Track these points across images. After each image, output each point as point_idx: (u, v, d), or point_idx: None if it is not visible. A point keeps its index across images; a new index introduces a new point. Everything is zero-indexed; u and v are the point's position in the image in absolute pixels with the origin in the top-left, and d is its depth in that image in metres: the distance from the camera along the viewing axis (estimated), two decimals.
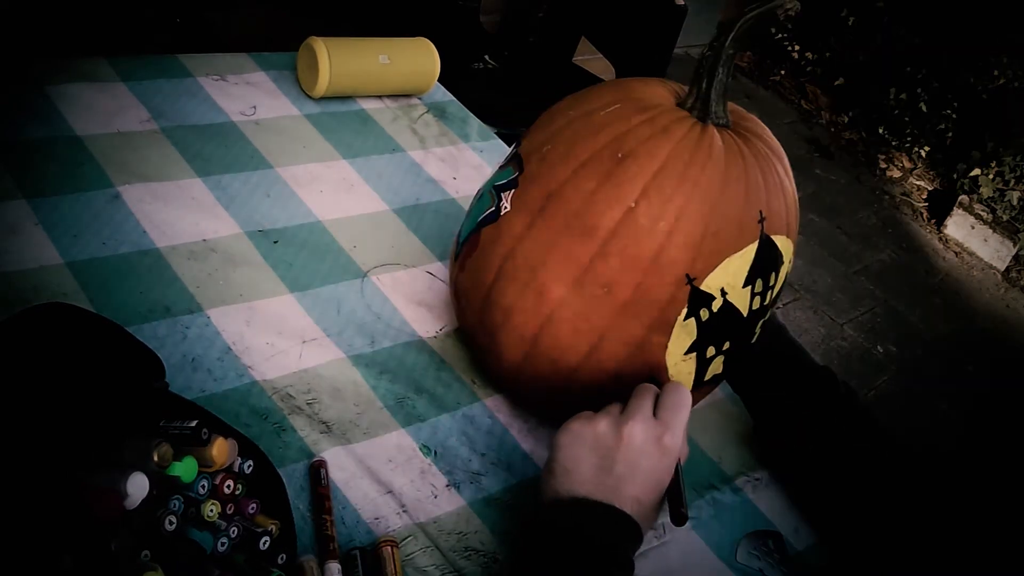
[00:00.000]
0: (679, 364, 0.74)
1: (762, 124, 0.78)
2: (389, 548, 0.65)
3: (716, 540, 0.79)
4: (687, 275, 0.70)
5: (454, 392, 0.82)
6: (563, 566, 0.62)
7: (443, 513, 0.72)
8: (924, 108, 3.77)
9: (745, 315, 0.74)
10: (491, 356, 0.79)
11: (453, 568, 0.68)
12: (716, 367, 0.77)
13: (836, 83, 4.01)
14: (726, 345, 0.75)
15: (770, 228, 0.73)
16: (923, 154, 3.88)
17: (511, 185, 0.75)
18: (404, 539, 0.68)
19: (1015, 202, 3.42)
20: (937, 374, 2.73)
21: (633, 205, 0.69)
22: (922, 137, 3.84)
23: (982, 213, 3.46)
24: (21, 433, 0.54)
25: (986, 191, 3.46)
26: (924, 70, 3.74)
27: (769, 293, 0.76)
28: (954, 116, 3.74)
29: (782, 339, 0.85)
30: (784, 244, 0.75)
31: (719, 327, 0.73)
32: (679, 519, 0.66)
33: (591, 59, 2.15)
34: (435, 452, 0.76)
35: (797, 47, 4.07)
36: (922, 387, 2.61)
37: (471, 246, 0.77)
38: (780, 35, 4.04)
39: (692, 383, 0.76)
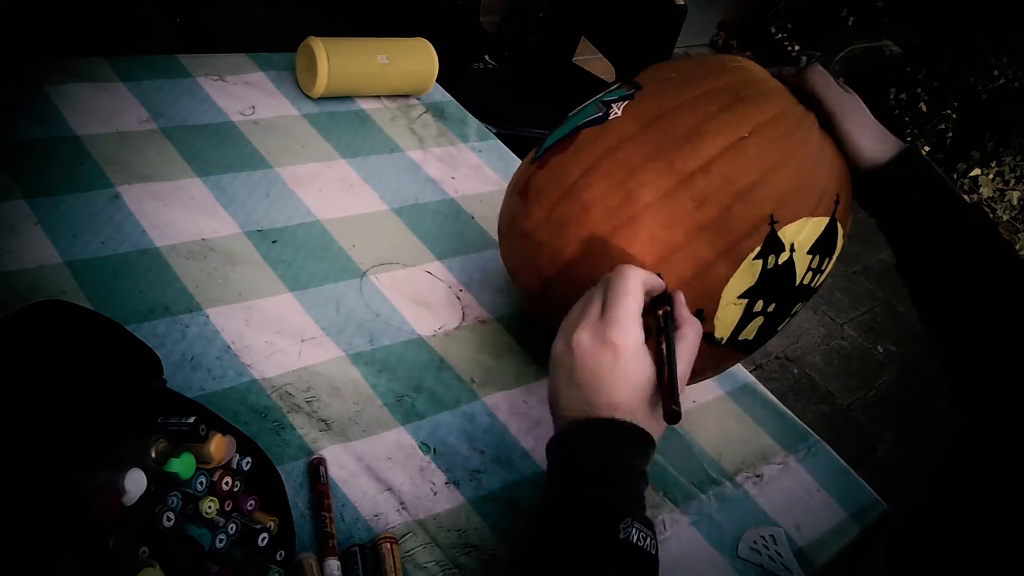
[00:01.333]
0: (729, 306, 0.75)
1: None
2: (388, 545, 0.65)
3: (717, 536, 0.79)
4: (771, 216, 0.73)
5: (453, 390, 0.82)
6: (566, 495, 0.61)
7: (442, 510, 0.72)
8: (924, 108, 3.77)
9: (796, 283, 0.77)
10: (547, 252, 0.77)
11: (453, 565, 0.68)
12: (751, 330, 0.78)
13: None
14: (771, 307, 0.77)
15: (839, 214, 0.77)
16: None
17: (625, 98, 0.77)
18: (403, 536, 0.68)
19: (1015, 202, 3.42)
20: (937, 374, 2.73)
21: (747, 135, 0.73)
22: (922, 137, 3.84)
23: None
24: (20, 431, 0.54)
25: (986, 191, 3.45)
26: (924, 70, 3.73)
27: (819, 276, 0.79)
28: (954, 116, 3.74)
29: (925, 170, 0.78)
30: (841, 236, 0.79)
31: (776, 282, 0.76)
32: (670, 416, 0.62)
33: (591, 59, 2.15)
34: (434, 450, 0.76)
35: (797, 47, 4.06)
36: (922, 387, 2.61)
37: (563, 145, 0.78)
38: (780, 35, 4.04)
39: (728, 336, 0.77)
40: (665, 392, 0.62)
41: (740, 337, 0.78)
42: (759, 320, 0.78)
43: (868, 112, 0.79)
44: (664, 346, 0.65)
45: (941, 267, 0.76)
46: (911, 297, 0.80)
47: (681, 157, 0.73)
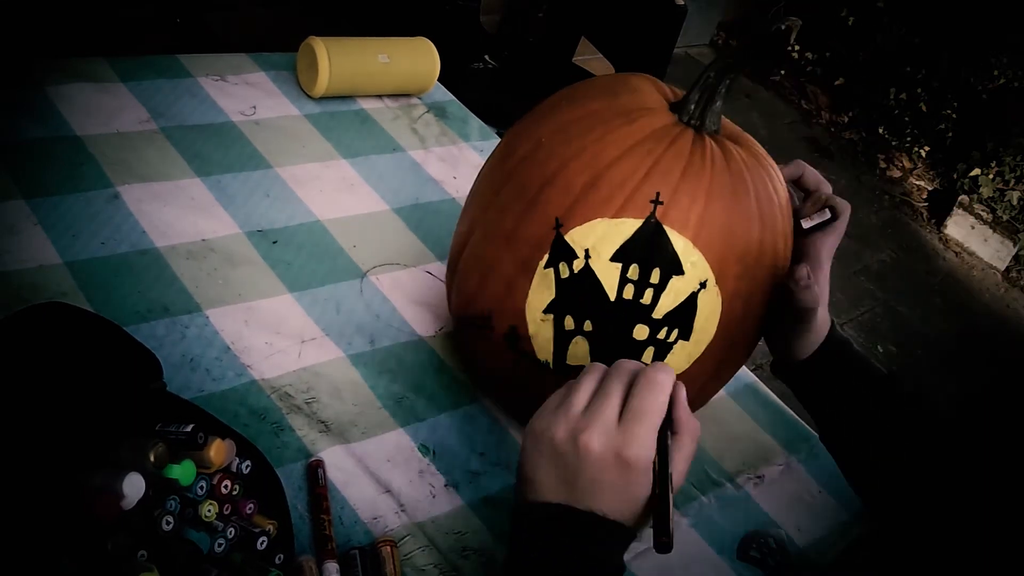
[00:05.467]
0: (539, 323, 0.71)
1: (748, 135, 0.77)
2: (387, 548, 0.65)
3: (717, 538, 0.79)
4: (556, 219, 0.69)
5: (453, 392, 0.82)
6: (543, 567, 0.58)
7: (441, 513, 0.72)
8: (924, 108, 3.77)
9: (612, 298, 0.69)
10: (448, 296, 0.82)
11: (451, 567, 0.68)
12: (579, 350, 0.71)
13: (836, 83, 4.01)
14: (588, 325, 0.70)
15: (672, 222, 0.68)
16: (923, 154, 3.87)
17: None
18: (402, 539, 0.68)
19: (1015, 202, 3.42)
20: (937, 374, 2.73)
21: (543, 140, 0.72)
22: (922, 137, 3.84)
23: (982, 213, 3.46)
24: (18, 433, 0.54)
25: (986, 191, 3.45)
26: (924, 70, 3.74)
27: (649, 291, 0.69)
28: (954, 116, 3.74)
29: (847, 352, 0.80)
30: (686, 251, 0.68)
31: (579, 295, 0.69)
32: (659, 547, 0.57)
33: (591, 59, 2.15)
34: (433, 451, 0.76)
35: (797, 47, 4.07)
36: (922, 387, 2.60)
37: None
38: None
39: (553, 360, 0.72)
40: (657, 522, 0.58)
41: (568, 363, 0.71)
42: (582, 343, 0.70)
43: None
44: (658, 467, 0.59)
45: (866, 439, 0.78)
46: (836, 462, 0.82)
47: (496, 170, 0.76)
